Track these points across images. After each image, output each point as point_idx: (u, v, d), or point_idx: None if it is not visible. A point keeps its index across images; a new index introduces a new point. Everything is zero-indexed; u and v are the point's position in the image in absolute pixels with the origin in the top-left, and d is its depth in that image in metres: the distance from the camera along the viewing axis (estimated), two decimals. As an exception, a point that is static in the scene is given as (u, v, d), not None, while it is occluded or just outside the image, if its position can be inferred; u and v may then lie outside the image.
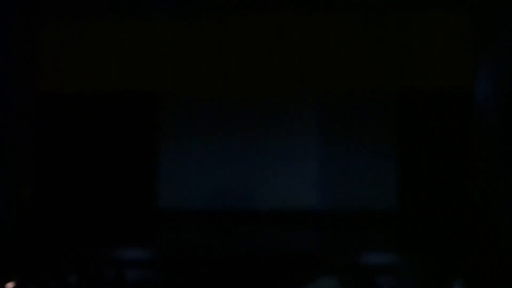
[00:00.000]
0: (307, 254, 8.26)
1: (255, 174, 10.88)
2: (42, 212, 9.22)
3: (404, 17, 8.67)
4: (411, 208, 10.10)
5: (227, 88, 9.14)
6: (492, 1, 8.46)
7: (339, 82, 8.85)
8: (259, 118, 10.97)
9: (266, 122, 11.04)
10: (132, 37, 9.05)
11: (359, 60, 8.72)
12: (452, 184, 9.32)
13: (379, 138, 10.81)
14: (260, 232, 9.94)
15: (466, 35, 8.57)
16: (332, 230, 10.16)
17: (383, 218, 10.34)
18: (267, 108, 11.01)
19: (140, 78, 9.10)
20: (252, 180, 10.89)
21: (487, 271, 7.20)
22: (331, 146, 10.92)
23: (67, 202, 9.98)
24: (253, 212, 10.67)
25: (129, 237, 9.28)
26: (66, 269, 7.51)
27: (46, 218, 9.26)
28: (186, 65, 8.96)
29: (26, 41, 9.14)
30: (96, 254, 8.21)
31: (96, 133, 10.56)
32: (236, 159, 10.95)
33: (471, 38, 8.54)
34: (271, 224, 10.43)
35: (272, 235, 9.85)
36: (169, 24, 8.97)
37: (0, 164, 9.00)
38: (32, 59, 9.18)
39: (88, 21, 9.04)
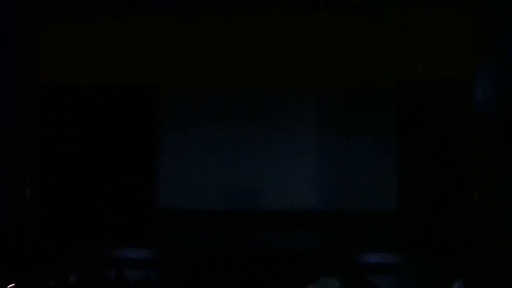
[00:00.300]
0: (307, 254, 8.25)
1: (255, 174, 10.88)
2: (42, 212, 9.22)
3: (404, 14, 8.67)
4: (411, 207, 10.10)
5: (227, 80, 9.14)
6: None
7: (338, 74, 8.84)
8: (258, 119, 10.97)
9: (266, 123, 11.02)
10: (132, 32, 9.04)
11: (358, 53, 8.71)
12: (452, 183, 9.32)
13: (379, 138, 10.81)
14: (260, 232, 9.93)
15: (465, 29, 8.57)
16: (331, 230, 10.15)
17: (383, 218, 10.34)
18: (266, 108, 11.01)
19: (140, 71, 9.10)
20: (252, 180, 10.89)
21: (487, 271, 7.20)
22: (331, 146, 10.92)
23: (67, 202, 9.98)
24: (253, 212, 10.67)
25: (129, 237, 9.27)
26: (66, 269, 7.51)
27: (46, 218, 9.26)
28: (186, 57, 8.95)
29: (26, 36, 9.15)
30: (96, 254, 8.21)
31: (96, 132, 10.55)
32: (236, 160, 10.94)
33: (470, 33, 8.54)
34: (271, 224, 10.42)
35: (272, 235, 9.84)
36: (170, 21, 8.97)
37: (1, 163, 9.02)
38: (32, 52, 9.17)
39: (88, 18, 9.04)
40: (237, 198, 10.92)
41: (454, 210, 9.20)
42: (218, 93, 10.90)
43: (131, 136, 10.83)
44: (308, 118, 11.20)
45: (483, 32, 8.37)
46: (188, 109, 11.18)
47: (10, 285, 6.33)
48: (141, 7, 8.97)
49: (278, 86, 10.11)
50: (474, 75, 8.46)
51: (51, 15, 9.08)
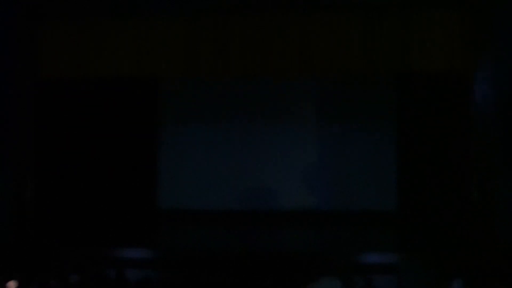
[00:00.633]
0: (306, 254, 8.24)
1: (255, 174, 10.88)
2: (42, 211, 9.21)
3: (405, 11, 8.66)
4: (411, 207, 10.10)
5: (226, 73, 9.12)
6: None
7: (338, 68, 8.80)
8: (258, 118, 10.98)
9: (265, 122, 11.02)
10: (132, 26, 9.03)
11: (358, 46, 8.68)
12: (452, 183, 9.32)
13: (379, 137, 10.81)
14: (260, 232, 9.93)
15: (465, 26, 8.55)
16: (331, 230, 10.15)
17: (383, 218, 10.34)
18: (265, 107, 11.01)
19: (140, 66, 9.08)
20: (252, 179, 10.89)
21: (486, 271, 7.20)
22: (330, 145, 10.92)
23: (67, 200, 9.97)
24: (253, 211, 10.67)
25: (130, 237, 9.27)
26: (66, 268, 7.51)
27: (45, 217, 9.25)
28: (186, 50, 8.93)
29: (25, 30, 9.13)
30: (96, 254, 8.20)
31: (96, 131, 10.55)
32: (235, 159, 10.94)
33: (470, 28, 8.53)
34: (272, 224, 10.42)
35: (272, 235, 9.85)
36: (170, 16, 8.95)
37: (1, 163, 9.02)
38: (32, 48, 9.16)
39: (88, 15, 9.04)
40: (237, 198, 10.93)
41: (454, 210, 9.20)
42: (217, 89, 10.91)
43: (131, 134, 10.83)
44: (309, 117, 11.21)
45: (483, 28, 8.37)
46: (189, 106, 11.19)
47: (10, 281, 6.33)
48: (141, 5, 8.97)
49: (278, 78, 10.11)
50: (475, 70, 8.44)
51: (50, 12, 9.07)
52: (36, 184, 9.10)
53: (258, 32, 8.80)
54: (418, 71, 9.01)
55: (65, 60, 9.05)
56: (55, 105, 9.66)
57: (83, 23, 9.00)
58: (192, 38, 8.88)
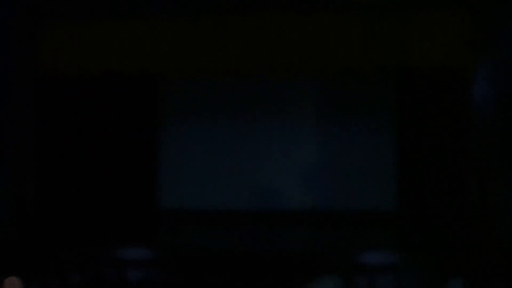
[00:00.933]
0: (307, 253, 8.26)
1: (254, 174, 10.90)
2: (43, 211, 9.22)
3: (405, 11, 8.67)
4: (411, 207, 10.11)
5: (227, 70, 9.13)
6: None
7: (338, 63, 8.78)
8: (259, 118, 11.00)
9: (265, 122, 11.05)
10: (132, 29, 9.04)
11: (358, 43, 8.68)
12: (453, 182, 9.33)
13: (378, 136, 10.83)
14: (260, 232, 9.95)
15: (465, 24, 8.56)
16: (330, 229, 10.17)
17: (382, 218, 10.35)
18: (265, 105, 11.03)
19: (140, 63, 9.08)
20: (251, 179, 10.91)
21: (487, 271, 7.21)
22: (330, 143, 10.94)
23: (68, 201, 9.98)
24: (253, 211, 10.69)
25: (131, 237, 9.28)
26: (67, 268, 7.51)
27: (46, 217, 9.27)
28: (186, 48, 8.93)
29: (25, 28, 9.15)
30: (97, 254, 8.22)
31: (96, 129, 10.56)
32: (235, 159, 10.97)
33: (470, 26, 8.53)
34: (272, 224, 10.44)
35: (272, 235, 9.87)
36: (170, 19, 8.96)
37: (1, 162, 9.03)
38: (32, 45, 9.17)
39: (88, 15, 9.05)
40: (237, 197, 10.95)
41: (454, 209, 9.21)
42: (218, 88, 10.93)
43: (132, 133, 10.85)
44: (309, 117, 11.22)
45: (483, 27, 8.38)
46: (189, 104, 11.20)
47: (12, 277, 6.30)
48: (141, 5, 8.99)
49: (279, 77, 10.12)
50: (475, 69, 8.45)
51: (50, 11, 9.07)
52: (36, 183, 9.11)
53: (258, 30, 8.82)
54: (418, 69, 9.03)
55: (64, 59, 9.06)
56: (55, 104, 9.66)
57: (83, 22, 9.01)
58: (192, 36, 8.90)
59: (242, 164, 10.88)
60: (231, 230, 10.05)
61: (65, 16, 9.12)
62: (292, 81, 10.68)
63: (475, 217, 8.37)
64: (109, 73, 9.18)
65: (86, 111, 10.41)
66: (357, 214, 10.39)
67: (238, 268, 7.84)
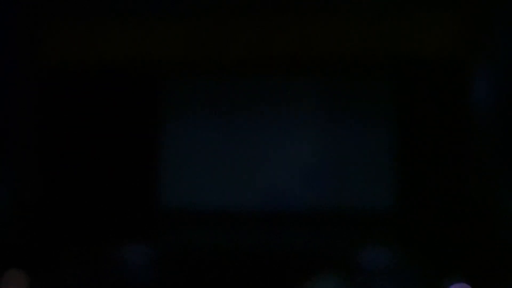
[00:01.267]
0: (307, 253, 8.27)
1: (254, 174, 10.90)
2: (42, 210, 9.23)
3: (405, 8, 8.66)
4: (411, 206, 10.10)
5: (227, 68, 9.14)
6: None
7: (336, 54, 8.77)
8: (259, 117, 11.00)
9: (265, 121, 11.05)
10: (132, 29, 9.06)
11: (356, 33, 8.66)
12: (453, 181, 9.33)
13: (378, 135, 10.82)
14: (261, 231, 9.95)
15: (466, 22, 8.56)
16: (331, 229, 10.17)
17: (383, 217, 10.34)
18: (265, 103, 11.03)
19: (141, 62, 9.09)
20: (251, 179, 10.91)
21: (487, 271, 7.21)
22: (329, 142, 10.93)
23: (67, 200, 9.99)
24: (253, 211, 10.69)
25: (131, 237, 9.29)
26: (66, 267, 7.54)
27: (46, 216, 9.27)
28: (186, 46, 8.95)
29: (25, 27, 9.15)
30: (97, 253, 8.23)
31: (98, 130, 10.56)
32: (235, 158, 10.96)
33: (471, 25, 8.53)
34: (272, 223, 10.44)
35: (273, 234, 9.87)
36: (170, 17, 8.97)
37: (2, 160, 9.04)
38: (32, 42, 9.18)
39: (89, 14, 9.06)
40: (237, 197, 10.95)
41: (454, 208, 9.20)
42: (219, 87, 10.94)
43: (132, 132, 10.84)
44: (309, 116, 11.22)
45: (484, 24, 8.37)
46: (190, 103, 11.20)
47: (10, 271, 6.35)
48: (141, 5, 8.99)
49: (278, 72, 10.13)
50: (475, 65, 8.44)
51: (50, 10, 9.09)
52: (34, 181, 9.11)
53: (257, 25, 8.82)
54: (417, 65, 8.99)
55: (65, 55, 9.07)
56: (55, 101, 9.66)
57: (84, 19, 9.01)
58: (192, 34, 8.91)
59: (243, 163, 10.87)
60: (232, 229, 10.05)
61: (67, 12, 9.12)
62: (292, 81, 10.68)
63: (476, 216, 8.36)
64: (109, 71, 9.19)
65: (86, 110, 10.40)
66: (356, 213, 10.38)
67: (239, 267, 7.85)
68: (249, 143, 11.79)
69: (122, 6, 8.88)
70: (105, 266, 7.65)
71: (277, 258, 7.98)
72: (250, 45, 8.73)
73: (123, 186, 10.81)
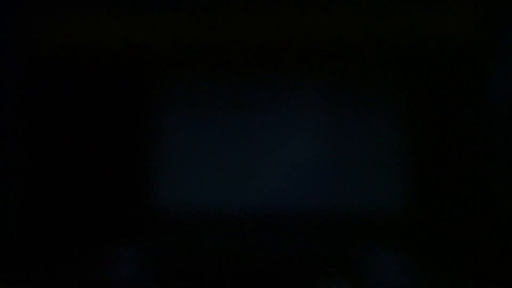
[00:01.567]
0: (310, 256, 8.18)
1: (254, 175, 10.86)
2: (35, 211, 9.16)
3: None
4: (422, 207, 9.95)
5: (225, 64, 9.14)
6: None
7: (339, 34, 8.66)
8: (259, 116, 10.97)
9: (267, 121, 11.03)
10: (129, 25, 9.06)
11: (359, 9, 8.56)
12: (470, 180, 9.12)
13: (385, 132, 10.72)
14: (260, 233, 9.91)
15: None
16: (335, 230, 10.13)
17: (390, 218, 10.25)
18: (264, 101, 10.99)
19: (137, 57, 9.08)
20: (251, 180, 10.88)
21: (507, 279, 6.98)
22: (333, 141, 10.87)
23: (59, 201, 9.95)
24: (252, 212, 10.66)
25: (126, 238, 9.25)
26: (60, 269, 7.62)
27: (35, 217, 9.22)
28: (184, 43, 8.93)
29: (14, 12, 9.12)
30: (91, 254, 8.20)
31: (92, 129, 10.54)
32: (234, 158, 10.93)
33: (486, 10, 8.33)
34: (273, 225, 10.41)
35: (273, 236, 9.82)
36: (166, 13, 8.95)
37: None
38: (21, 32, 9.16)
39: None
40: (236, 197, 10.90)
41: (471, 210, 9.01)
42: (217, 82, 10.90)
43: (127, 131, 10.83)
44: (312, 111, 11.14)
45: (500, 9, 8.14)
46: (187, 102, 11.19)
47: None
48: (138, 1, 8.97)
49: (279, 67, 10.11)
50: (492, 55, 8.22)
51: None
52: (18, 181, 9.03)
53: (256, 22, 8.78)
54: (428, 52, 8.83)
55: (49, 48, 9.04)
56: (42, 96, 9.61)
57: (72, 8, 8.97)
58: (190, 30, 8.87)
59: (243, 162, 10.80)
60: (231, 231, 10.00)
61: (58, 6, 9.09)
62: (293, 74, 10.60)
63: (496, 220, 8.15)
64: (100, 64, 9.14)
65: (76, 106, 10.35)
66: (365, 215, 10.25)
67: (238, 272, 7.89)
68: (249, 140, 11.66)
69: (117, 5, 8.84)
70: (96, 270, 7.63)
71: (280, 262, 7.89)
72: (250, 39, 8.63)
73: (114, 186, 10.73)
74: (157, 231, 10.33)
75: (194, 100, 11.23)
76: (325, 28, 8.45)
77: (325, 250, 9.04)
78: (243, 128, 11.00)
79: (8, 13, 8.82)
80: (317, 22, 8.52)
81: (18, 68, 8.90)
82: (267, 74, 10.67)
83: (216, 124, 10.89)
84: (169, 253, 8.37)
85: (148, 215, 10.67)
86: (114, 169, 10.56)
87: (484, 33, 8.07)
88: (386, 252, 7.99)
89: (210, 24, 8.44)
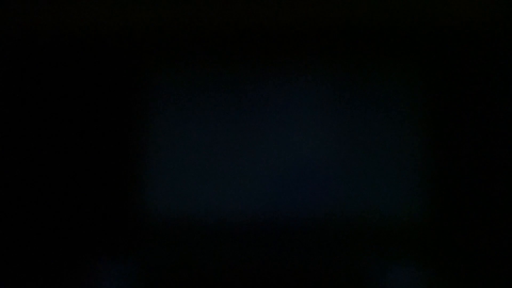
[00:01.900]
0: (317, 269, 7.46)
1: (254, 176, 10.23)
2: (16, 223, 8.53)
3: None
4: (443, 215, 9.27)
5: (223, 61, 8.55)
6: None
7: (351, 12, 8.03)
8: (258, 115, 10.33)
9: (266, 120, 10.39)
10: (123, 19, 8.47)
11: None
12: (498, 186, 8.41)
13: (402, 134, 10.08)
14: (259, 245, 9.20)
15: None
16: (347, 240, 9.42)
17: (406, 228, 9.57)
18: (265, 106, 10.37)
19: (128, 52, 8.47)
20: (251, 182, 10.24)
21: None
22: (342, 143, 10.20)
23: (44, 207, 9.33)
24: (252, 217, 9.99)
25: (114, 247, 8.59)
26: (49, 280, 6.97)
27: (18, 232, 8.58)
28: (177, 38, 8.34)
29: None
30: (80, 264, 7.53)
31: (81, 131, 9.96)
32: (232, 161, 10.29)
33: None
34: (274, 232, 9.72)
35: (276, 244, 9.11)
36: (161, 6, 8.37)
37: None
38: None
39: None
40: (233, 203, 10.29)
41: (496, 218, 8.31)
42: (213, 81, 10.33)
43: (116, 133, 10.27)
44: (317, 110, 10.53)
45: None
46: (181, 101, 10.63)
47: None
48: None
49: (282, 58, 9.47)
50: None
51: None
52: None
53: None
54: (454, 37, 8.17)
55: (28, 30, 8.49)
56: (20, 88, 9.04)
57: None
58: (187, 26, 8.29)
59: (241, 165, 10.16)
60: (227, 240, 9.31)
61: None
62: (296, 72, 9.96)
63: None
64: (85, 52, 8.55)
65: (58, 102, 9.78)
66: (378, 225, 9.57)
67: (235, 284, 7.18)
68: (248, 140, 10.96)
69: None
70: (83, 285, 6.95)
71: (281, 275, 7.17)
72: (247, 29, 8.02)
73: (100, 192, 10.12)
74: (146, 241, 9.60)
75: (185, 98, 10.51)
76: (331, 13, 7.78)
77: (330, 264, 8.31)
78: (241, 128, 10.22)
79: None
80: (323, 5, 7.86)
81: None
82: (263, 68, 9.93)
83: (211, 124, 10.14)
84: (160, 264, 7.72)
85: (137, 225, 9.92)
86: (98, 176, 9.84)
87: None
88: (398, 264, 7.32)
89: (205, 9, 7.82)
